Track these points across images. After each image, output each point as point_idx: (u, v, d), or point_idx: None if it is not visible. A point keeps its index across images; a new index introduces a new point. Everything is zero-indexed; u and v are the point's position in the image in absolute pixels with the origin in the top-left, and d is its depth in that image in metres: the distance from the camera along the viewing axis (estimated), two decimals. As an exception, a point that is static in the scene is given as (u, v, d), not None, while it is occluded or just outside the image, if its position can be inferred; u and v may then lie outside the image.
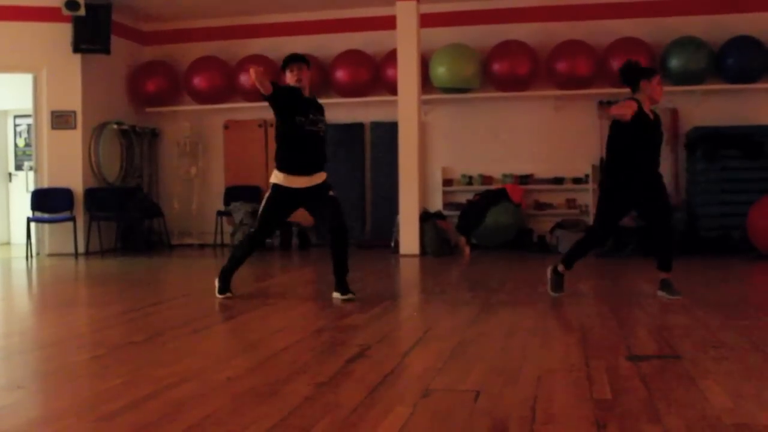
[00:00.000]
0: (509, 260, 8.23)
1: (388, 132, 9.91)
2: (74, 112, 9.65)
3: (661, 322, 4.48)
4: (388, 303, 5.28)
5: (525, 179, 9.74)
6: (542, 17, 9.77)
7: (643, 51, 8.89)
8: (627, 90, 5.29)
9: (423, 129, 9.55)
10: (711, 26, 9.21)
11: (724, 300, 5.32)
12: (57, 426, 2.59)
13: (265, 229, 5.50)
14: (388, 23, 9.28)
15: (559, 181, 9.71)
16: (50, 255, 9.48)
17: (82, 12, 9.28)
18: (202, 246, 10.60)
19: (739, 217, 8.19)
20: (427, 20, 9.33)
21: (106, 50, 9.62)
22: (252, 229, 5.73)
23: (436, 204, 9.92)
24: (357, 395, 2.85)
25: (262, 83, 5.03)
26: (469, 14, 9.90)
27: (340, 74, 10.00)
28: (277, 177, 5.32)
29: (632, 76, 5.17)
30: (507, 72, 9.46)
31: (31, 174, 10.01)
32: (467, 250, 9.00)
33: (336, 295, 5.33)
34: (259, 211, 5.45)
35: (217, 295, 5.48)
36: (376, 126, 10.25)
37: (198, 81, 10.46)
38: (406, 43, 8.95)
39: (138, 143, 10.58)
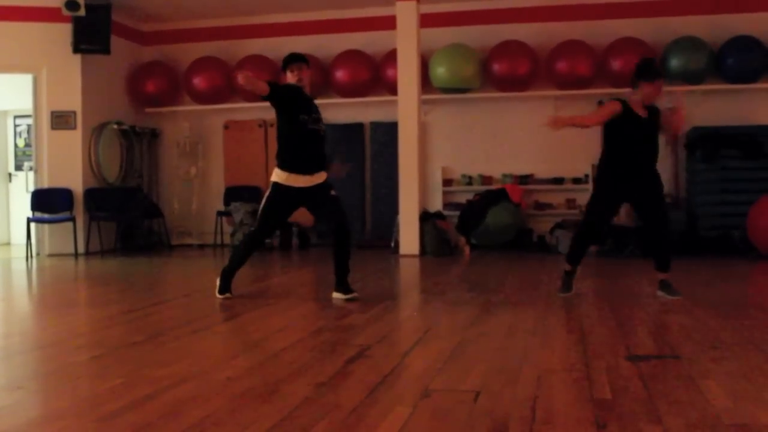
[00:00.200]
0: (509, 260, 8.22)
1: (388, 132, 9.92)
2: (74, 113, 9.65)
3: (661, 322, 4.48)
4: (388, 303, 5.28)
5: (525, 179, 9.74)
6: (542, 17, 9.77)
7: (643, 51, 8.88)
8: (627, 90, 5.30)
9: (423, 129, 9.56)
10: (711, 26, 9.22)
11: (724, 300, 5.32)
12: (57, 426, 2.59)
13: (265, 229, 5.46)
14: (388, 23, 9.28)
15: (558, 181, 9.71)
16: (50, 255, 9.48)
17: (82, 12, 9.27)
18: (202, 246, 10.60)
19: (739, 217, 8.20)
20: (427, 20, 9.33)
21: (106, 50, 9.62)
22: (252, 229, 5.71)
23: (436, 204, 9.93)
24: (357, 395, 2.85)
25: (255, 85, 4.98)
26: (469, 14, 9.90)
27: (340, 74, 10.00)
28: (278, 175, 5.29)
29: (636, 74, 5.18)
30: (507, 72, 9.47)
31: (31, 174, 10.00)
32: (467, 250, 9.00)
33: (337, 295, 5.32)
34: (259, 210, 5.41)
35: (217, 294, 5.47)
36: (376, 126, 10.25)
37: (198, 81, 10.46)
38: (406, 43, 8.96)
39: (138, 143, 10.58)
